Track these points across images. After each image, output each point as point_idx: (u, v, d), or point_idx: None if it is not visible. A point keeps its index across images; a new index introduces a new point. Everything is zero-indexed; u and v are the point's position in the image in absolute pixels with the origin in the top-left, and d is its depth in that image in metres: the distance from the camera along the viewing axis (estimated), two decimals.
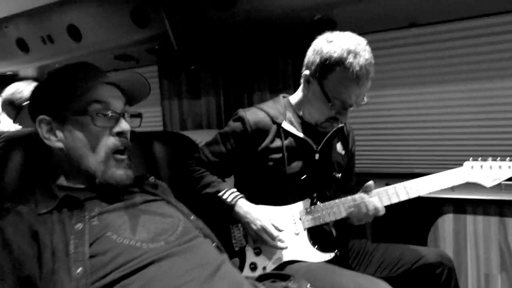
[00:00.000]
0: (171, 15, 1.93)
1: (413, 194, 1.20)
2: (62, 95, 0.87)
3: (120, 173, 0.90)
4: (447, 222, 1.70)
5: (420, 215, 1.72)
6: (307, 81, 1.25)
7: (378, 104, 2.00)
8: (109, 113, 0.88)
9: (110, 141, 0.89)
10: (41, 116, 0.88)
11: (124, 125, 0.91)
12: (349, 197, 1.23)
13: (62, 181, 0.90)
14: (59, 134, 0.88)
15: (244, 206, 1.22)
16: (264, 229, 1.18)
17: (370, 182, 1.21)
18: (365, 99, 1.21)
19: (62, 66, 0.94)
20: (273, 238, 1.18)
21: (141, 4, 2.00)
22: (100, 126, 0.87)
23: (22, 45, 2.63)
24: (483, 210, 1.63)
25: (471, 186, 1.66)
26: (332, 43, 1.15)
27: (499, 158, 1.19)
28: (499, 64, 1.70)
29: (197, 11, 1.90)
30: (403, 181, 1.88)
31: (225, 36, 2.08)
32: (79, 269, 0.72)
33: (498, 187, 1.60)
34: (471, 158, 1.20)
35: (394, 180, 1.88)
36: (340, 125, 1.35)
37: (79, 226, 0.79)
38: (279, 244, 1.20)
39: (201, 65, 2.40)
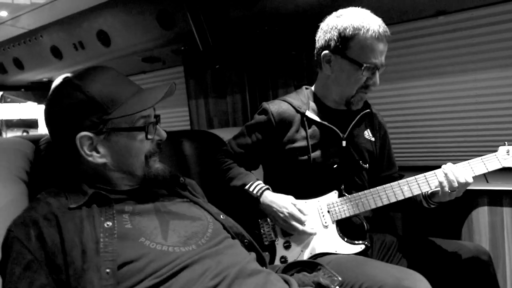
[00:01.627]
0: (196, 16, 1.97)
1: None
2: (104, 111, 0.84)
3: (160, 167, 0.95)
4: (482, 215, 1.64)
5: (453, 208, 1.67)
6: (328, 61, 1.25)
7: (407, 95, 1.96)
8: (152, 123, 0.91)
9: (150, 147, 0.93)
10: (83, 133, 0.84)
11: (163, 133, 0.95)
12: (378, 187, 1.21)
13: (95, 182, 0.90)
14: (102, 150, 0.86)
15: (269, 196, 1.23)
16: (291, 215, 1.19)
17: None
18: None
19: (87, 73, 0.88)
20: (301, 222, 1.19)
21: (166, 6, 2.05)
22: (150, 138, 0.90)
23: (56, 52, 2.77)
24: None
25: (508, 177, 1.61)
26: (343, 16, 1.21)
27: None
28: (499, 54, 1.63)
29: (220, 10, 1.93)
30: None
31: (249, 33, 2.10)
32: (108, 269, 0.73)
33: None
34: (506, 142, 1.17)
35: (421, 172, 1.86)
36: (366, 110, 1.34)
37: (109, 223, 0.79)
38: (308, 229, 1.20)
39: (226, 64, 2.43)
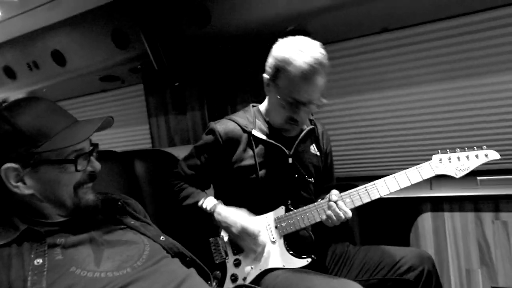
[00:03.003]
0: (149, 36, 1.99)
1: (384, 192, 1.22)
2: (33, 144, 0.83)
3: (92, 198, 0.93)
4: (426, 221, 1.73)
5: (401, 215, 1.75)
6: (267, 85, 1.30)
7: (355, 109, 2.04)
8: (85, 155, 0.90)
9: (81, 178, 0.91)
10: (8, 165, 0.82)
11: (96, 165, 0.94)
12: (322, 201, 1.26)
13: (26, 214, 0.89)
14: (29, 181, 0.85)
15: (223, 211, 1.25)
16: (244, 229, 1.21)
17: (334, 191, 1.24)
18: (323, 100, 1.25)
19: (20, 109, 0.86)
20: (254, 236, 1.21)
21: (120, 26, 2.05)
22: (80, 170, 0.89)
23: (9, 73, 2.69)
24: (459, 207, 1.66)
25: (451, 182, 1.70)
26: (283, 46, 1.22)
27: (466, 148, 1.21)
28: (466, 63, 1.75)
29: (174, 30, 1.95)
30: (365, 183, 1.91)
31: (204, 51, 2.14)
32: None
33: (474, 182, 1.64)
34: (439, 151, 1.22)
35: (357, 183, 1.92)
36: (310, 127, 1.39)
37: (38, 261, 0.78)
38: (261, 241, 1.22)
39: (185, 81, 2.45)
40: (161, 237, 1.02)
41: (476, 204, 1.62)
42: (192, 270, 0.96)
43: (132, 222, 1.02)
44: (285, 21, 1.81)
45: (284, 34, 1.88)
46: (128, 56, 2.16)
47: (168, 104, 2.59)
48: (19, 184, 0.85)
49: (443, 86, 1.82)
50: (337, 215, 1.19)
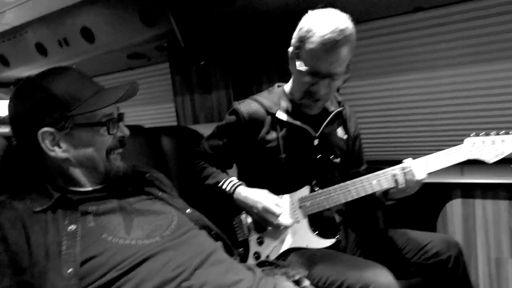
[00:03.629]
0: (177, 13, 1.97)
1: (410, 176, 1.17)
2: (66, 108, 0.87)
3: (121, 165, 0.97)
4: (455, 207, 1.68)
5: (428, 200, 1.71)
6: (291, 58, 1.25)
7: (383, 91, 1.98)
8: (114, 120, 0.93)
9: (112, 143, 0.94)
10: (45, 129, 0.86)
11: (125, 130, 0.97)
12: (348, 182, 1.24)
13: (59, 182, 0.92)
14: (64, 145, 0.88)
15: (243, 192, 1.25)
16: (266, 209, 1.20)
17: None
18: (346, 75, 1.20)
19: (50, 73, 0.90)
20: (276, 215, 1.20)
21: (148, 3, 2.05)
22: (112, 133, 0.92)
23: (41, 49, 2.75)
24: (493, 194, 1.60)
25: (482, 169, 1.64)
26: (307, 16, 1.18)
27: (503, 131, 1.14)
28: (501, 45, 1.65)
29: (201, 7, 1.93)
30: None
31: (231, 30, 2.11)
32: (70, 270, 0.75)
33: (507, 169, 1.58)
34: (473, 134, 1.17)
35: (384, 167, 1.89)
36: (339, 108, 1.36)
37: (72, 227, 0.81)
38: (282, 221, 1.21)
39: (210, 60, 2.44)
40: (188, 210, 1.04)
41: (511, 192, 1.56)
42: (219, 243, 0.97)
43: (160, 193, 1.04)
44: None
45: None
46: (155, 33, 2.16)
47: (193, 82, 2.60)
48: (55, 148, 0.88)
49: (476, 69, 1.74)
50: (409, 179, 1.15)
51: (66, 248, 0.77)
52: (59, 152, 0.88)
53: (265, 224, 1.25)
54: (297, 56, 1.21)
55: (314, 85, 1.19)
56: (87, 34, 2.42)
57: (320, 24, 1.12)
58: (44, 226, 0.80)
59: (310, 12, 1.23)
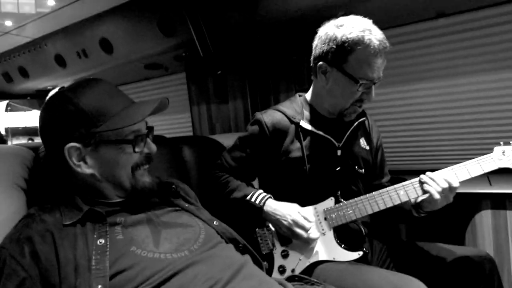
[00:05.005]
0: (196, 22, 1.99)
1: (443, 185, 1.13)
2: (93, 124, 0.86)
3: (148, 180, 0.95)
4: (485, 219, 1.62)
5: (456, 212, 1.65)
6: (324, 72, 1.23)
7: (407, 99, 1.95)
8: (142, 137, 0.93)
9: (138, 160, 0.93)
10: (71, 144, 0.86)
11: (152, 147, 0.96)
12: (374, 192, 1.20)
13: (87, 194, 0.92)
14: (90, 161, 0.88)
15: (273, 205, 1.22)
16: (295, 223, 1.17)
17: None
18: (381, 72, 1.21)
19: (80, 86, 0.90)
20: (305, 230, 1.17)
21: (166, 13, 2.07)
22: (138, 151, 0.91)
23: (60, 61, 2.80)
24: None
25: (511, 179, 1.59)
26: (344, 27, 1.17)
27: None
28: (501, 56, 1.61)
29: (221, 17, 1.94)
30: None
31: (249, 39, 2.11)
32: (99, 286, 0.73)
33: None
34: (501, 142, 1.15)
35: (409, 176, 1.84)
36: (362, 118, 1.33)
37: (101, 241, 0.80)
38: (312, 235, 1.18)
39: (228, 69, 2.44)
40: (215, 222, 1.02)
41: None
42: (248, 257, 0.95)
43: (186, 205, 1.03)
44: (334, 6, 1.75)
45: None
46: (174, 43, 2.17)
47: (210, 92, 2.60)
48: (81, 163, 0.88)
49: (499, 76, 1.70)
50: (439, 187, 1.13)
51: (96, 264, 0.76)
52: (84, 167, 0.88)
53: (294, 238, 1.22)
54: (339, 68, 1.19)
55: (365, 93, 1.20)
56: (106, 45, 2.46)
57: (367, 34, 1.13)
58: (74, 240, 0.80)
59: (338, 22, 1.20)
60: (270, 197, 1.25)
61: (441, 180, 1.13)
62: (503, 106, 1.72)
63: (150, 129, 0.97)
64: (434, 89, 1.87)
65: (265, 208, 1.23)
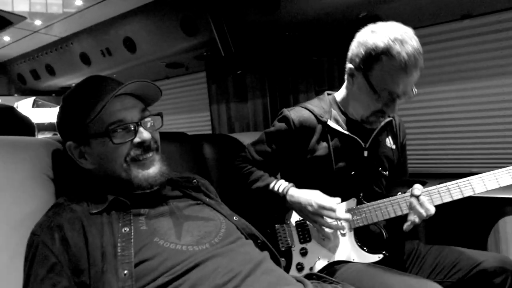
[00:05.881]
0: (218, 22, 2.01)
1: (467, 193, 1.11)
2: (79, 120, 0.88)
3: (146, 172, 0.91)
4: (509, 224, 1.58)
5: (478, 216, 1.62)
6: (351, 75, 1.21)
7: (432, 101, 1.92)
8: (127, 126, 0.89)
9: (130, 150, 0.90)
10: (69, 143, 0.91)
11: (144, 134, 0.90)
12: (398, 196, 1.18)
13: (109, 185, 0.92)
14: (88, 157, 0.91)
15: (296, 193, 1.21)
16: (322, 207, 1.14)
17: (417, 186, 1.14)
18: (415, 90, 1.15)
19: (73, 88, 0.96)
20: (333, 209, 1.13)
21: (189, 13, 2.10)
22: (118, 142, 0.87)
23: (85, 59, 2.88)
24: None
25: None
26: (377, 33, 1.11)
27: None
28: None
29: (242, 17, 1.96)
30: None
31: (270, 39, 2.12)
32: (126, 271, 0.75)
33: None
34: None
35: (449, 181, 1.80)
36: (388, 119, 1.31)
37: (126, 229, 0.82)
38: (341, 215, 1.15)
39: (247, 69, 2.46)
40: (234, 217, 1.03)
41: None
42: (267, 253, 0.95)
43: (207, 200, 1.04)
44: (357, 6, 1.74)
45: (356, 21, 1.83)
46: (196, 42, 2.21)
47: (229, 91, 2.63)
48: (82, 160, 0.92)
49: None
50: (417, 212, 1.11)
51: (121, 250, 0.78)
52: (85, 163, 0.92)
53: (321, 223, 1.17)
54: (364, 75, 1.16)
55: (387, 105, 1.16)
56: (129, 44, 2.52)
57: (396, 45, 1.06)
58: (101, 228, 0.82)
59: (371, 27, 1.17)
60: (292, 186, 1.24)
61: (463, 189, 1.11)
62: None
63: (145, 118, 0.93)
64: (459, 91, 1.84)
65: (288, 197, 1.22)
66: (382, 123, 1.29)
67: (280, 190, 1.22)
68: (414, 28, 1.16)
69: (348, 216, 1.17)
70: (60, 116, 0.95)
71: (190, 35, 2.19)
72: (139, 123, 0.90)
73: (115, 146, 0.87)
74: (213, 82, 2.75)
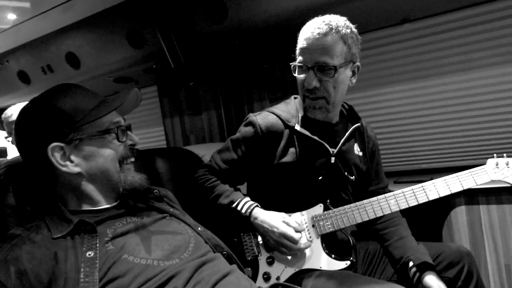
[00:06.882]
0: (165, 33, 1.96)
1: (433, 196, 1.13)
2: (73, 120, 0.86)
3: (137, 176, 0.95)
4: (460, 215, 1.66)
5: (432, 210, 1.69)
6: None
7: (378, 102, 1.99)
8: (122, 128, 0.93)
9: (123, 151, 0.94)
10: (54, 144, 0.85)
11: (134, 137, 0.97)
12: (364, 201, 1.18)
13: (72, 203, 0.90)
14: (75, 159, 0.87)
15: (260, 215, 1.18)
16: (283, 235, 1.14)
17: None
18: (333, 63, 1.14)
19: (53, 91, 0.91)
20: (295, 242, 1.14)
21: (135, 25, 2.03)
22: (122, 140, 0.92)
23: (24, 77, 2.68)
24: (496, 199, 1.59)
25: None
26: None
27: None
28: (496, 51, 1.68)
29: (190, 27, 1.92)
30: (411, 177, 1.83)
31: (220, 49, 2.10)
32: None
33: None
34: (494, 154, 1.12)
35: (402, 178, 1.87)
36: (356, 124, 1.30)
37: (90, 253, 0.79)
38: (303, 247, 1.15)
39: (199, 80, 2.42)
40: (199, 228, 1.02)
41: None
42: (235, 266, 0.94)
43: (171, 209, 1.02)
44: (305, 14, 1.76)
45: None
46: (144, 55, 2.13)
47: (182, 104, 2.56)
48: (67, 162, 0.87)
49: (468, 76, 1.75)
50: None
51: (84, 276, 0.75)
52: (71, 166, 0.87)
53: (282, 249, 1.17)
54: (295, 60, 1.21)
55: (301, 76, 1.19)
56: (72, 60, 2.38)
57: (310, 21, 1.18)
58: (65, 252, 0.78)
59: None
60: (256, 206, 1.21)
61: (430, 192, 1.12)
62: (476, 106, 1.75)
63: (128, 125, 0.98)
64: (403, 92, 1.92)
65: (251, 218, 1.19)
66: (351, 129, 1.29)
67: (243, 210, 1.19)
68: (361, 33, 1.20)
69: (307, 246, 1.17)
70: (42, 118, 0.87)
71: (137, 47, 2.11)
72: (128, 128, 0.96)
73: (113, 145, 0.90)
74: (165, 96, 2.67)
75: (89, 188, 0.90)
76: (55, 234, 0.80)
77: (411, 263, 1.16)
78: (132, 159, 0.96)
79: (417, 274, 1.14)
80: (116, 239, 0.84)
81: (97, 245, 0.81)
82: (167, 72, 2.41)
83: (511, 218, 1.57)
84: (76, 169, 0.87)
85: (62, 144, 0.86)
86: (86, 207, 0.90)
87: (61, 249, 0.78)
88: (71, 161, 0.87)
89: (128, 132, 0.95)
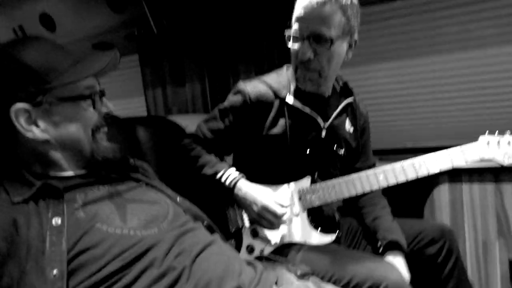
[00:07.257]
0: None
1: (422, 172, 1.10)
2: (43, 80, 0.75)
3: (110, 145, 0.87)
4: (443, 193, 1.68)
5: (415, 186, 1.69)
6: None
7: (368, 79, 1.96)
8: (97, 94, 0.84)
9: (98, 121, 0.85)
10: (18, 105, 0.74)
11: (110, 105, 0.88)
12: (354, 175, 1.15)
13: (36, 168, 0.80)
14: (43, 124, 0.77)
15: (244, 187, 1.14)
16: (265, 208, 1.10)
17: None
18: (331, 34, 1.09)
19: (15, 41, 0.79)
20: (277, 216, 1.10)
21: None
22: (98, 108, 0.84)
23: None
24: (479, 178, 1.61)
25: None
26: None
27: None
28: (493, 31, 1.65)
29: None
30: (395, 156, 1.82)
31: (205, 17, 2.01)
32: (55, 270, 0.65)
33: None
34: (487, 132, 1.08)
35: (387, 156, 1.87)
36: (349, 99, 1.27)
37: (57, 220, 0.71)
38: (283, 221, 1.12)
39: (184, 50, 2.32)
40: (178, 198, 0.96)
41: (497, 175, 1.57)
42: (217, 235, 0.90)
43: (147, 179, 0.96)
44: None
45: (292, 1, 1.79)
46: (125, 20, 2.01)
47: (165, 75, 2.46)
48: (32, 127, 0.76)
49: (462, 55, 1.73)
50: None
51: (50, 246, 0.67)
52: (37, 132, 0.77)
53: (264, 223, 1.14)
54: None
55: (296, 47, 1.12)
56: (47, 21, 2.22)
57: None
58: (27, 218, 0.69)
59: None
60: (241, 178, 1.17)
61: (421, 168, 1.10)
62: (466, 86, 1.73)
63: (103, 90, 0.88)
64: (393, 69, 1.89)
65: (235, 190, 1.15)
66: (343, 103, 1.25)
67: (227, 182, 1.14)
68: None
69: (287, 225, 1.14)
70: (4, 73, 0.76)
71: (118, 11, 1.99)
72: (103, 93, 0.87)
73: (88, 112, 0.81)
74: (147, 65, 2.55)
75: (57, 155, 0.81)
76: (15, 198, 0.71)
77: (379, 243, 1.18)
78: (106, 129, 0.88)
79: (383, 253, 1.17)
80: (88, 206, 0.77)
81: (65, 212, 0.73)
82: (150, 40, 2.29)
83: (491, 197, 1.60)
84: (43, 136, 0.78)
85: (27, 106, 0.75)
86: (52, 174, 0.81)
87: (22, 215, 0.70)
88: (37, 126, 0.77)
89: (104, 99, 0.87)
